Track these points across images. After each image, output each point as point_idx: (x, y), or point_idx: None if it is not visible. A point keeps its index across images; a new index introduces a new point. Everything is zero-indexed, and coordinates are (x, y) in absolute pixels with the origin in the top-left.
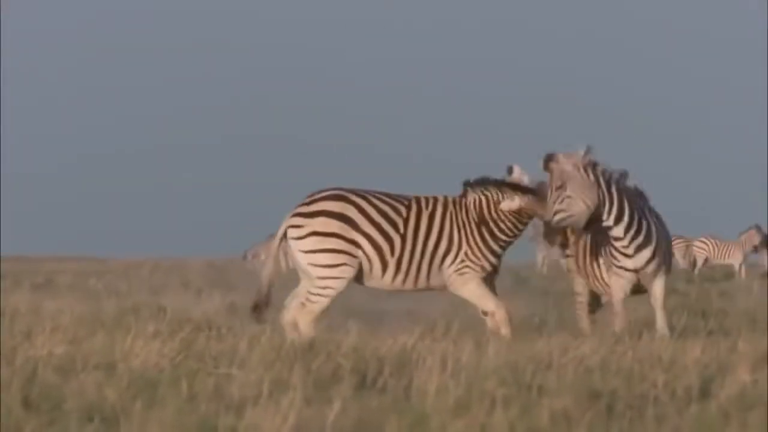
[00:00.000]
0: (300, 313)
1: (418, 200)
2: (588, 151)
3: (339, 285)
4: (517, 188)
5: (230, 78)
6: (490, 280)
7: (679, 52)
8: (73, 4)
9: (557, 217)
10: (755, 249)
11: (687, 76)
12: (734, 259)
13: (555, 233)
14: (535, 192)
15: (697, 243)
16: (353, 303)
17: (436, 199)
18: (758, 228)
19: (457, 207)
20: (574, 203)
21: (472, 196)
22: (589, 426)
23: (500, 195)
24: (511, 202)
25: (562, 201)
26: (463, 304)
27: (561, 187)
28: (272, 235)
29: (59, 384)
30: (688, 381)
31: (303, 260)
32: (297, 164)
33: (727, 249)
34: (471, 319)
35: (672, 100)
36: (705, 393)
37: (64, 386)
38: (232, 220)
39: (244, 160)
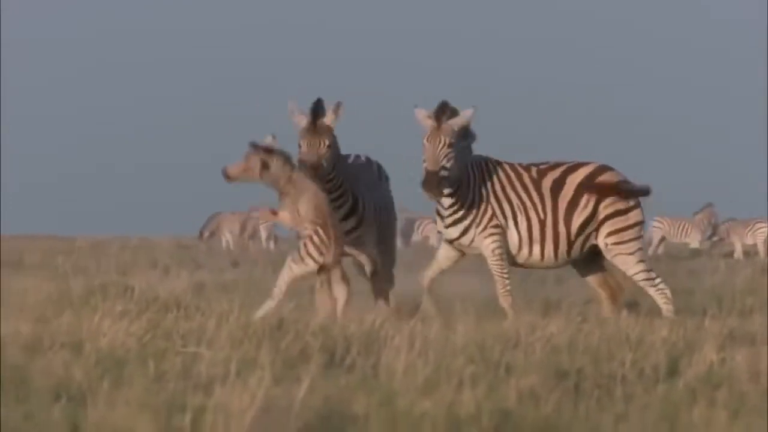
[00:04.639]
0: None
1: None
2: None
3: None
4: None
5: (197, 62)
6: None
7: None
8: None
9: (443, 174)
10: (714, 229)
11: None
12: (691, 238)
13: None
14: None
15: (653, 222)
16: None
17: None
18: (712, 206)
19: None
20: (456, 165)
21: None
22: (557, 404)
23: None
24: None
25: (449, 159)
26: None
27: (451, 146)
28: (220, 213)
29: (26, 363)
30: (656, 360)
31: None
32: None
33: (683, 228)
34: (439, 297)
35: (626, 85)
36: (672, 372)
37: (31, 365)
38: (200, 199)
39: (211, 140)
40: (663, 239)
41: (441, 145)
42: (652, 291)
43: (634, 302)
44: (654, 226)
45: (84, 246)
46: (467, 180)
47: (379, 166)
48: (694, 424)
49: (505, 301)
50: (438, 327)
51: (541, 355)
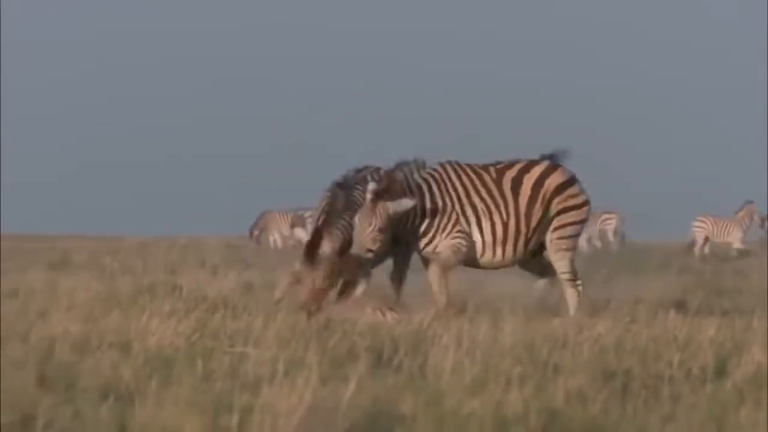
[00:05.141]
0: None
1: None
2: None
3: None
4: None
5: (237, 62)
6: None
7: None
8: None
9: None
10: (763, 222)
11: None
12: (733, 237)
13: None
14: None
15: (696, 222)
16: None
17: None
18: (752, 203)
19: None
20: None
21: None
22: (604, 405)
23: None
24: None
25: (375, 242)
26: (480, 283)
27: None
28: (267, 212)
29: (75, 362)
30: (704, 360)
31: None
32: (310, 143)
33: (726, 227)
34: (487, 297)
35: (654, 82)
36: (720, 372)
37: (80, 364)
38: (249, 199)
39: (260, 139)
40: (707, 239)
41: (371, 229)
42: (571, 290)
43: (681, 302)
44: (696, 227)
45: (131, 246)
46: (424, 194)
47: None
48: (742, 425)
49: (439, 300)
50: (486, 327)
51: (588, 356)
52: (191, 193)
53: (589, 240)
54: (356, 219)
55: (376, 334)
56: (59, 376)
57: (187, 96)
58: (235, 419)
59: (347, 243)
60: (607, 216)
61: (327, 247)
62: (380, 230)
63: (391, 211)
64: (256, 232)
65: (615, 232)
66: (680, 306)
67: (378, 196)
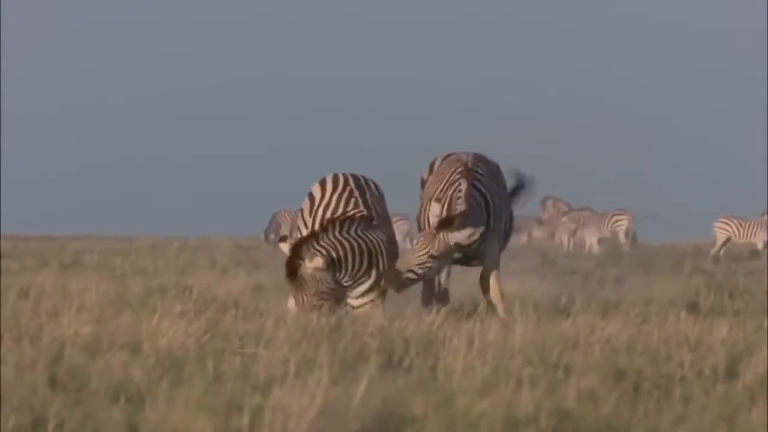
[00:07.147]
0: None
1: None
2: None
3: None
4: None
5: (243, 60)
6: None
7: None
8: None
9: (409, 275)
10: None
11: (686, 62)
12: (759, 238)
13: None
14: None
15: (719, 223)
16: None
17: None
18: None
19: None
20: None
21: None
22: (616, 405)
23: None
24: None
25: (422, 267)
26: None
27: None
28: (279, 212)
29: (85, 364)
30: (715, 361)
31: None
32: (324, 143)
33: (751, 228)
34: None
35: (674, 85)
36: (731, 373)
37: (90, 366)
38: (259, 200)
39: (272, 139)
40: (727, 240)
41: (423, 253)
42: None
43: (693, 303)
44: (719, 228)
45: (142, 246)
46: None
47: (498, 168)
48: (753, 425)
49: (503, 305)
50: (497, 328)
51: (600, 356)
52: (201, 194)
53: (599, 241)
54: (416, 240)
55: (386, 335)
56: (70, 378)
57: (198, 96)
58: (245, 420)
59: (343, 257)
60: (618, 217)
61: (308, 265)
62: (431, 257)
63: (452, 243)
64: (272, 236)
65: (627, 233)
66: (692, 307)
67: (443, 224)
